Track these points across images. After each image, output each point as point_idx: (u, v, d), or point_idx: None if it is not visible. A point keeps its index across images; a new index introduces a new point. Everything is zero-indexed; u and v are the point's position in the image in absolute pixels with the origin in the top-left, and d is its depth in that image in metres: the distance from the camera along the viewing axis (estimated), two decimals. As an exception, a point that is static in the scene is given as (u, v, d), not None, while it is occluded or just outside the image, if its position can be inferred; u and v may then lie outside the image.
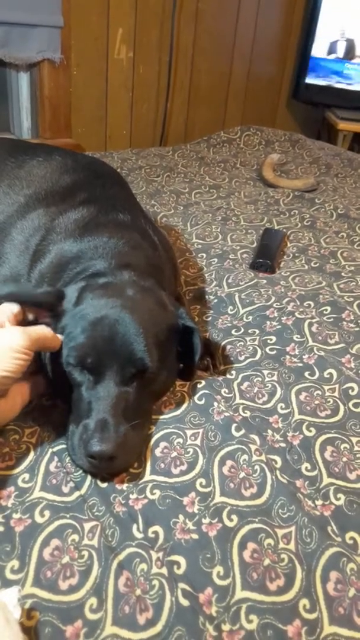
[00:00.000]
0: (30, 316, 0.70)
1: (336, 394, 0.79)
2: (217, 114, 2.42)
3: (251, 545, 0.57)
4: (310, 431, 0.72)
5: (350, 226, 1.42)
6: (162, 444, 0.68)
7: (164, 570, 0.54)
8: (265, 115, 2.56)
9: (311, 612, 0.53)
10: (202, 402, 0.74)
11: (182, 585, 0.53)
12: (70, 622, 0.50)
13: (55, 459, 0.64)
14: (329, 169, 1.88)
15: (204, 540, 0.57)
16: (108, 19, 1.93)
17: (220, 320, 0.99)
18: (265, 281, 1.10)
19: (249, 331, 0.94)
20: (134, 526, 0.58)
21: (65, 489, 0.61)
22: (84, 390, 0.65)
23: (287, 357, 0.86)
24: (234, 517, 0.59)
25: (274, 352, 0.88)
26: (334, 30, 2.33)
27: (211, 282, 1.12)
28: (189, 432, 0.69)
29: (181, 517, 0.59)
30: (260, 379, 0.82)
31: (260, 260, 1.16)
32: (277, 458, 0.69)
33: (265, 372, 0.83)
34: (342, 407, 0.77)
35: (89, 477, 0.63)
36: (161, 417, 0.72)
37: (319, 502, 0.64)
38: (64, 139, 1.95)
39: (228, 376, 0.83)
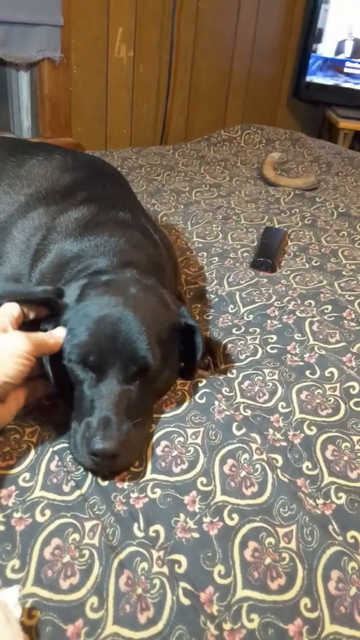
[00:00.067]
0: (31, 315, 0.69)
1: (337, 392, 0.79)
2: (217, 113, 2.41)
3: (252, 544, 0.57)
4: (311, 430, 0.72)
5: (351, 225, 1.42)
6: (163, 443, 0.67)
7: (165, 569, 0.54)
8: (266, 114, 2.55)
9: (312, 611, 0.53)
10: (203, 400, 0.74)
11: (183, 584, 0.53)
12: (71, 621, 0.50)
13: (56, 458, 0.64)
14: (330, 167, 1.88)
15: (205, 539, 0.57)
16: (108, 18, 1.92)
17: (221, 319, 0.99)
18: (266, 280, 1.09)
19: (250, 330, 0.94)
20: (135, 525, 0.58)
21: (66, 488, 0.61)
22: (86, 388, 0.65)
23: (288, 355, 0.86)
24: (235, 516, 0.59)
25: (275, 350, 0.88)
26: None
27: (212, 281, 1.12)
28: (189, 431, 0.69)
29: (182, 516, 0.59)
30: (261, 377, 0.81)
31: (261, 259, 1.16)
32: (278, 457, 0.69)
33: (266, 370, 0.83)
34: (343, 406, 0.76)
35: (89, 476, 0.63)
36: (162, 415, 0.72)
37: (320, 501, 0.64)
38: (64, 138, 1.95)
39: (229, 375, 0.83)
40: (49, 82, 1.88)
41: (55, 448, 0.66)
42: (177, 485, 0.62)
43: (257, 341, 0.90)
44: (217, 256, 1.21)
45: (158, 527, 0.58)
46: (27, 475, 0.62)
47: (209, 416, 0.72)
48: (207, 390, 0.76)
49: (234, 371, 0.84)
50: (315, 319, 0.94)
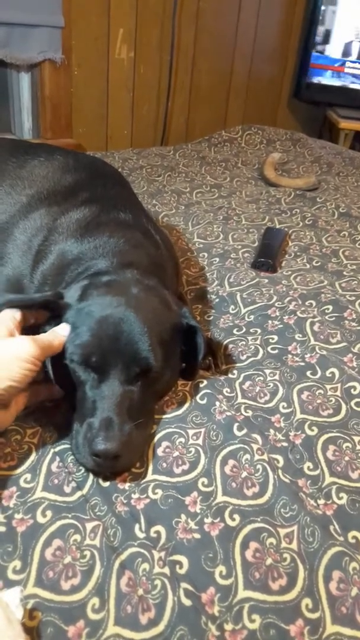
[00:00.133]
0: (31, 320, 0.69)
1: (338, 393, 0.79)
2: (218, 113, 2.41)
3: (253, 545, 0.57)
4: (313, 430, 0.72)
5: (352, 225, 1.42)
6: (164, 444, 0.67)
7: (166, 570, 0.54)
8: (267, 115, 2.55)
9: (314, 612, 0.53)
10: (204, 401, 0.74)
11: (184, 585, 0.53)
12: (73, 622, 0.50)
13: (57, 459, 0.64)
14: (331, 167, 1.88)
15: (206, 539, 0.57)
16: (109, 19, 1.92)
17: (221, 319, 0.99)
18: (266, 280, 1.09)
19: (251, 330, 0.94)
20: (136, 526, 0.58)
21: (67, 489, 0.61)
22: (88, 389, 0.65)
23: (289, 356, 0.86)
24: (236, 516, 0.59)
25: (276, 351, 0.88)
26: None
27: (213, 281, 1.12)
28: (190, 432, 0.69)
29: (183, 516, 0.59)
30: (262, 378, 0.81)
31: (262, 259, 1.16)
32: (279, 457, 0.69)
33: (267, 371, 0.83)
34: (344, 406, 0.76)
35: (90, 477, 0.63)
36: (163, 416, 0.72)
37: (321, 502, 0.64)
38: (65, 139, 1.95)
39: (230, 375, 0.83)
40: (50, 83, 1.88)
41: (57, 449, 0.66)
42: (178, 486, 0.62)
43: (258, 342, 0.90)
44: (218, 257, 1.21)
45: (159, 527, 0.58)
46: (28, 476, 0.62)
47: (210, 417, 0.72)
48: (208, 390, 0.76)
49: (235, 372, 0.84)
50: (316, 320, 0.94)
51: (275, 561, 0.56)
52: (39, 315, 0.70)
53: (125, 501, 0.60)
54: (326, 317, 0.97)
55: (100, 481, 0.62)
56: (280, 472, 0.66)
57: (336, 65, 2.40)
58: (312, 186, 1.68)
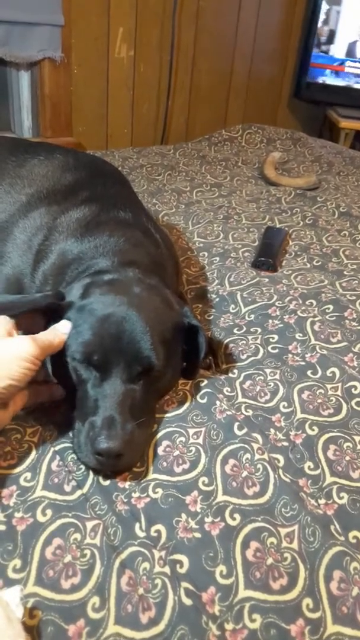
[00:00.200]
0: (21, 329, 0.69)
1: (339, 392, 0.78)
2: (218, 112, 2.41)
3: (254, 544, 0.57)
4: (313, 430, 0.72)
5: (353, 224, 1.42)
6: (165, 443, 0.67)
7: (167, 569, 0.54)
8: (267, 114, 2.55)
9: (314, 612, 0.52)
10: (205, 400, 0.74)
11: (184, 584, 0.53)
12: (73, 621, 0.49)
13: (57, 457, 0.64)
14: (331, 167, 1.88)
15: (206, 539, 0.57)
16: (109, 18, 1.92)
17: (222, 319, 0.99)
18: (267, 280, 1.09)
19: (251, 330, 0.94)
20: (137, 525, 0.58)
21: (67, 488, 0.61)
22: (90, 388, 0.65)
23: (290, 355, 0.86)
24: (237, 516, 0.59)
25: (276, 350, 0.88)
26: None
27: (213, 280, 1.12)
28: (191, 431, 0.69)
29: (184, 515, 0.59)
30: (262, 377, 0.81)
31: (262, 258, 1.16)
32: (280, 457, 0.68)
33: (268, 370, 0.83)
34: (344, 406, 0.76)
35: (91, 476, 0.62)
36: (164, 415, 0.72)
37: (322, 501, 0.64)
38: (65, 138, 1.95)
39: (230, 375, 0.83)
40: (50, 82, 1.88)
41: (57, 448, 0.66)
42: (179, 485, 0.62)
43: (258, 341, 0.90)
44: (218, 256, 1.21)
45: (159, 527, 0.58)
46: (28, 475, 0.62)
47: (210, 416, 0.72)
48: (209, 390, 0.76)
49: (235, 371, 0.84)
50: (316, 319, 0.94)
51: (275, 561, 0.56)
52: (34, 321, 0.69)
53: (125, 500, 0.60)
54: (327, 317, 0.97)
55: (101, 480, 0.62)
56: (280, 471, 0.66)
57: (336, 64, 2.40)
58: (312, 185, 1.68)
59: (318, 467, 0.68)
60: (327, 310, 0.99)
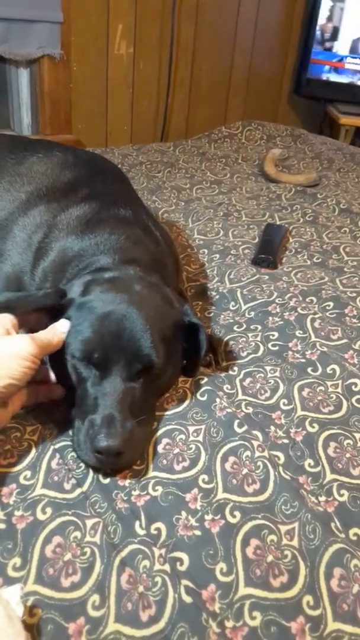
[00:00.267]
0: (29, 325, 0.69)
1: (339, 389, 0.78)
2: (218, 109, 2.40)
3: (254, 542, 0.57)
4: (313, 427, 0.72)
5: (353, 221, 1.41)
6: (165, 441, 0.67)
7: (167, 567, 0.54)
8: (267, 111, 2.54)
9: (315, 609, 0.52)
10: (205, 398, 0.74)
11: (185, 581, 0.53)
12: (73, 620, 0.49)
13: (57, 456, 0.64)
14: (331, 163, 1.87)
15: (206, 536, 0.57)
16: (108, 15, 1.92)
17: (222, 316, 0.99)
18: (267, 277, 1.09)
19: (251, 327, 0.94)
20: (137, 523, 0.58)
21: (67, 486, 0.61)
22: (90, 386, 0.65)
23: (290, 353, 0.86)
24: (237, 513, 0.59)
25: (277, 348, 0.88)
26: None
27: (213, 278, 1.12)
28: (191, 429, 0.69)
29: (184, 513, 0.59)
30: (262, 375, 0.81)
31: (262, 255, 1.16)
32: (280, 454, 0.68)
33: (268, 368, 0.82)
34: (345, 403, 0.76)
35: (90, 474, 0.62)
36: (164, 413, 0.71)
37: (322, 499, 0.63)
38: (64, 135, 1.94)
39: (230, 372, 0.83)
40: (49, 79, 1.87)
41: (57, 446, 0.66)
42: (179, 482, 0.62)
43: (258, 338, 0.90)
44: (218, 253, 1.21)
45: (159, 524, 0.58)
46: (28, 473, 0.62)
47: (210, 413, 0.71)
48: (209, 387, 0.76)
49: (235, 368, 0.83)
50: (316, 316, 0.94)
51: (276, 558, 0.56)
52: (39, 320, 0.69)
53: (125, 498, 0.60)
54: (327, 314, 0.96)
55: (101, 478, 0.62)
56: (281, 469, 0.66)
57: (336, 60, 2.39)
58: (312, 182, 1.67)
59: (318, 464, 0.67)
60: (327, 307, 0.98)
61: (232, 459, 0.65)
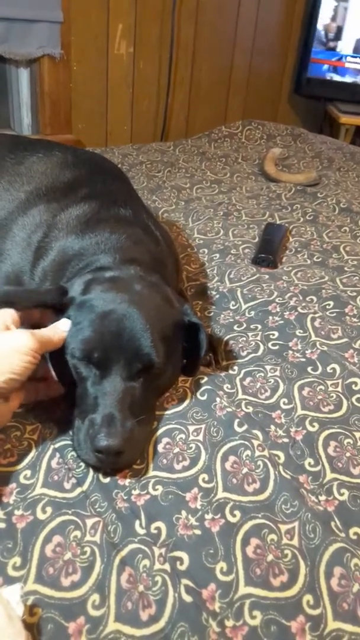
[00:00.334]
0: (36, 317, 0.69)
1: (339, 388, 0.78)
2: (218, 109, 2.40)
3: (254, 541, 0.57)
4: (314, 426, 0.72)
5: (353, 220, 1.41)
6: (165, 440, 0.67)
7: (167, 567, 0.54)
8: (267, 110, 2.54)
9: (315, 608, 0.52)
10: (205, 397, 0.74)
11: (185, 581, 0.53)
12: (73, 619, 0.49)
13: (57, 455, 0.64)
14: (331, 163, 1.87)
15: (206, 536, 0.57)
16: (108, 15, 1.92)
17: (222, 315, 0.99)
18: (267, 276, 1.09)
19: (251, 326, 0.94)
20: (137, 522, 0.58)
21: (67, 485, 0.61)
22: (90, 385, 0.65)
23: (290, 352, 0.86)
24: (237, 512, 0.59)
25: (277, 347, 0.87)
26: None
27: (213, 277, 1.12)
28: (191, 428, 0.69)
29: (184, 512, 0.59)
30: (262, 374, 0.81)
31: (263, 255, 1.16)
32: (280, 453, 0.68)
33: (268, 367, 0.82)
34: (345, 402, 0.76)
35: (90, 473, 0.62)
36: (164, 412, 0.71)
37: (322, 498, 0.63)
38: (64, 135, 1.94)
39: (230, 372, 0.83)
40: (49, 79, 1.87)
41: (57, 445, 0.66)
42: (179, 482, 0.62)
43: (258, 338, 0.90)
44: (218, 253, 1.21)
45: (160, 524, 0.58)
46: (28, 472, 0.62)
47: (210, 413, 0.71)
48: (209, 387, 0.76)
49: (236, 368, 0.83)
50: (317, 315, 0.93)
51: (276, 557, 0.56)
52: (44, 315, 0.70)
53: (125, 497, 0.60)
54: (327, 313, 0.96)
55: (101, 477, 0.62)
56: (281, 468, 0.66)
57: (336, 59, 2.39)
58: (312, 181, 1.67)
59: (318, 463, 0.67)
60: (327, 307, 0.98)
61: (232, 458, 0.65)
